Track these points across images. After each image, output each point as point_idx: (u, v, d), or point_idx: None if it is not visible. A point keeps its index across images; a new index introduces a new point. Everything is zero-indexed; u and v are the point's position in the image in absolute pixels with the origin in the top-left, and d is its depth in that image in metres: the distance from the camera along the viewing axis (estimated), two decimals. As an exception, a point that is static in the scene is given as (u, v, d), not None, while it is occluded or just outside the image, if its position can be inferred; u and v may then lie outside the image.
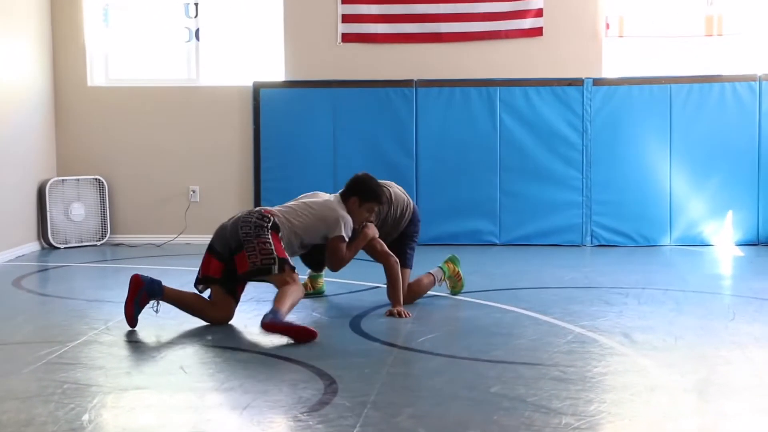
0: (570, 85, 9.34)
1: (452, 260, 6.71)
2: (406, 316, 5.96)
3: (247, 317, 5.96)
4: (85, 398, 4.33)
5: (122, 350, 5.29)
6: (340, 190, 6.20)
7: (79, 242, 9.54)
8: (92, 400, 4.30)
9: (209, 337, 5.56)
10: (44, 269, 8.33)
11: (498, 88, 9.37)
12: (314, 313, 6.15)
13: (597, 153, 9.33)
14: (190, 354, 5.22)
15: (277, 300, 5.50)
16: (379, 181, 6.36)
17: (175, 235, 9.69)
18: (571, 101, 9.33)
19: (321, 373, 4.70)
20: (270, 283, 5.74)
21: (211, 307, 5.84)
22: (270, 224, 5.74)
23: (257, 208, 6.00)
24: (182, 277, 7.56)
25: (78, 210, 9.53)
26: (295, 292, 5.58)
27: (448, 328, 5.81)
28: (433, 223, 8.94)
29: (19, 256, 8.80)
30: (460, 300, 6.59)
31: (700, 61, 9.51)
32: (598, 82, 9.33)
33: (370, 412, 4.11)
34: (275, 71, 9.69)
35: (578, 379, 4.59)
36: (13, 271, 8.02)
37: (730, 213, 9.25)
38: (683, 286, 7.13)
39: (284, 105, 9.51)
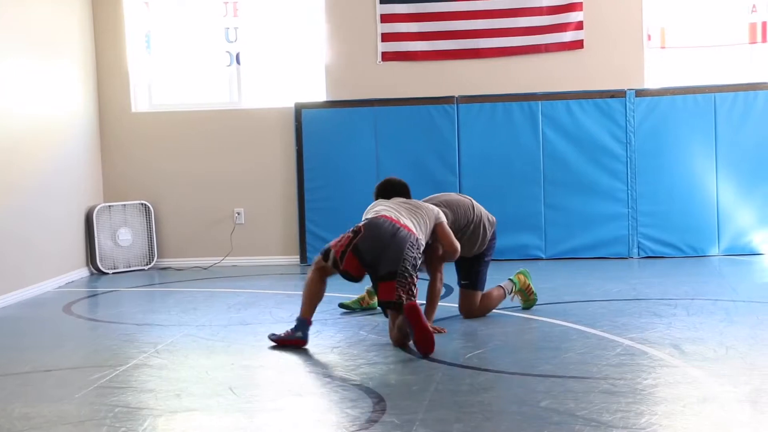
0: (612, 97, 9.29)
1: (523, 273, 6.65)
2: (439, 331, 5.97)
3: (295, 337, 5.97)
4: (136, 421, 4.36)
5: (172, 373, 5.32)
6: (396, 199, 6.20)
7: (127, 267, 9.63)
8: (143, 423, 4.33)
9: (257, 359, 5.58)
10: (93, 295, 8.42)
11: (540, 102, 9.34)
12: (361, 332, 6.15)
13: (641, 164, 9.26)
14: (239, 375, 5.24)
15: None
16: (450, 194, 6.59)
17: (222, 258, 9.75)
18: (614, 113, 9.27)
19: (369, 391, 4.70)
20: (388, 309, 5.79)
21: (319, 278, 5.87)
22: (420, 262, 5.80)
23: (413, 235, 5.77)
24: (229, 299, 7.63)
25: (125, 235, 9.62)
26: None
27: (495, 344, 5.79)
28: (478, 239, 8.92)
29: (68, 282, 8.90)
30: (508, 315, 6.56)
31: (744, 68, 9.42)
32: (640, 93, 9.27)
33: (419, 429, 4.10)
34: (316, 92, 9.74)
35: (628, 391, 4.55)
36: (63, 297, 8.11)
37: (779, 221, 9.15)
38: (733, 296, 7.05)
39: (326, 125, 9.56)
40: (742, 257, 9.06)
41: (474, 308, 6.48)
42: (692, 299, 6.91)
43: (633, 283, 7.79)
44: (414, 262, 5.68)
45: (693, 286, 7.50)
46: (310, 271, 5.95)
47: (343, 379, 4.98)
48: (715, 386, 4.62)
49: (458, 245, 6.08)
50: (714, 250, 9.21)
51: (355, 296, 6.89)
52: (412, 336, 5.46)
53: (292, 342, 5.77)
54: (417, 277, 5.71)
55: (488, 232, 6.44)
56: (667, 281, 7.83)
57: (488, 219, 6.48)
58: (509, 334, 6.02)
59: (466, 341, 5.88)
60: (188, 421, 4.40)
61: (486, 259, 6.51)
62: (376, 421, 4.22)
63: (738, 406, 4.31)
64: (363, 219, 5.94)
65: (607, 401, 4.38)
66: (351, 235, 5.75)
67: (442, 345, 5.74)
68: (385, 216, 5.83)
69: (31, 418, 4.48)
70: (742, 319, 6.15)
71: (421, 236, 5.87)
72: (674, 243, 9.25)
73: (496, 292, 6.54)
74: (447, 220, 6.15)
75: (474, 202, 6.54)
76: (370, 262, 5.67)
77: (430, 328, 5.54)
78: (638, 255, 9.27)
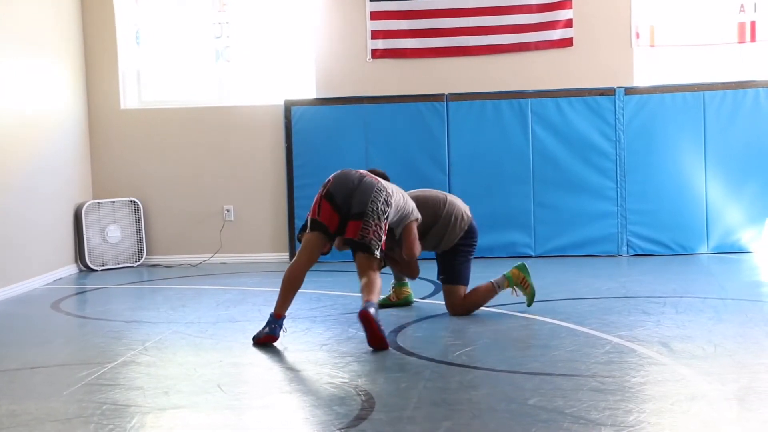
0: (602, 94, 9.30)
1: (519, 267, 6.54)
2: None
3: (283, 335, 5.95)
4: (124, 419, 4.35)
5: (160, 370, 5.31)
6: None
7: (115, 264, 9.61)
8: (131, 421, 4.32)
9: (245, 356, 5.58)
10: (82, 292, 8.40)
11: (529, 100, 9.35)
12: (350, 329, 6.15)
13: (631, 162, 9.28)
14: (228, 372, 5.23)
15: (369, 291, 5.64)
16: (428, 190, 6.63)
17: (211, 255, 9.74)
18: (604, 111, 9.29)
19: (357, 389, 4.70)
20: (357, 261, 5.80)
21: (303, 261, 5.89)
22: (387, 216, 5.85)
23: (383, 185, 5.93)
24: (218, 296, 7.62)
25: (114, 232, 9.60)
26: (380, 284, 5.75)
27: (484, 341, 5.79)
28: (467, 237, 8.92)
29: (57, 279, 8.88)
30: (497, 312, 6.56)
31: (733, 67, 9.44)
32: (630, 91, 9.28)
33: (407, 426, 4.09)
34: (306, 89, 9.73)
35: (617, 389, 4.55)
36: (52, 294, 8.09)
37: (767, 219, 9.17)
38: (722, 294, 7.06)
39: (316, 122, 9.55)
40: (730, 255, 9.08)
41: (457, 303, 6.47)
42: (681, 297, 6.92)
43: (622, 281, 7.80)
44: (382, 208, 5.80)
45: (682, 284, 7.51)
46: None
47: (332, 377, 4.98)
48: (704, 384, 4.63)
49: (415, 251, 6.16)
50: (703, 248, 9.23)
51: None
52: (366, 337, 5.52)
53: (262, 340, 5.78)
54: (385, 227, 5.80)
55: (457, 228, 6.46)
56: (656, 279, 7.84)
57: (462, 216, 6.50)
58: (498, 332, 6.02)
59: (454, 339, 5.87)
60: (176, 419, 4.39)
61: (462, 253, 6.50)
62: (364, 419, 4.21)
63: (726, 404, 4.32)
64: None
65: (596, 399, 4.38)
66: (321, 190, 5.92)
67: (431, 343, 5.74)
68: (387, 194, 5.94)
69: (18, 415, 4.47)
70: (730, 317, 6.17)
71: (393, 200, 5.92)
72: (663, 241, 9.27)
73: (483, 288, 6.52)
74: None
75: (450, 198, 6.59)
76: (341, 203, 5.80)
77: (380, 331, 5.49)
78: (627, 253, 9.29)
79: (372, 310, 5.48)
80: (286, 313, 5.86)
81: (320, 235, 5.86)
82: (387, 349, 5.51)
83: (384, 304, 6.80)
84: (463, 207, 6.59)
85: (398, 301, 6.88)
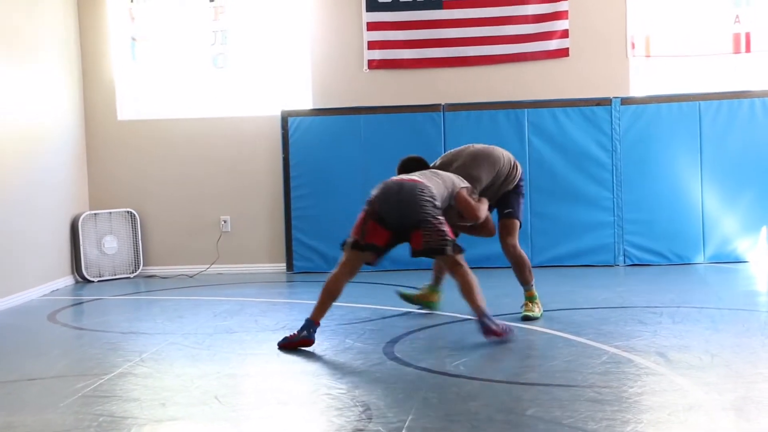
0: (598, 105, 9.32)
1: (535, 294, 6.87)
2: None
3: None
4: (121, 431, 4.35)
5: (157, 382, 5.30)
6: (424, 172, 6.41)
7: (112, 275, 9.60)
8: (128, 432, 4.32)
9: (243, 367, 5.57)
10: (78, 303, 8.39)
11: (526, 110, 9.36)
12: (347, 340, 6.14)
13: (627, 172, 9.29)
14: (225, 384, 5.23)
15: (470, 298, 5.87)
16: (475, 148, 6.82)
17: (208, 266, 9.73)
18: (600, 121, 9.30)
19: (355, 400, 4.69)
20: (440, 265, 6.13)
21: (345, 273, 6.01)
22: (438, 209, 5.97)
23: (422, 185, 6.01)
24: (215, 307, 7.61)
25: (111, 243, 9.60)
26: (473, 279, 5.91)
27: (481, 352, 5.79)
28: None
29: (53, 291, 8.87)
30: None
31: (728, 77, 9.46)
32: (626, 101, 9.30)
33: (405, 437, 4.09)
34: (303, 99, 9.74)
35: (614, 399, 4.55)
36: (48, 305, 8.08)
37: (764, 229, 9.17)
38: (718, 304, 7.07)
39: (313, 133, 9.55)
40: (727, 265, 9.08)
41: (514, 239, 6.70)
42: (678, 307, 6.93)
43: (619, 291, 7.80)
44: (432, 209, 5.89)
45: (678, 294, 7.52)
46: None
47: (330, 388, 4.97)
48: (701, 394, 4.63)
49: (481, 213, 6.32)
50: (699, 258, 9.24)
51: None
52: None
53: (297, 343, 5.86)
54: (440, 217, 5.92)
55: (516, 172, 6.77)
56: (653, 289, 7.84)
57: (514, 161, 6.83)
58: (495, 343, 6.02)
59: (452, 350, 5.87)
60: (173, 431, 4.38)
61: (520, 190, 6.80)
62: (362, 430, 4.21)
63: (723, 414, 4.32)
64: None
65: (593, 409, 4.38)
66: (366, 208, 5.97)
67: (428, 353, 5.74)
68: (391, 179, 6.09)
69: (15, 427, 4.46)
70: (727, 327, 6.17)
71: (434, 189, 6.01)
72: (660, 251, 9.27)
73: (527, 264, 6.79)
74: (479, 182, 6.48)
75: (497, 150, 6.82)
76: (390, 220, 5.89)
77: (502, 330, 5.87)
78: (624, 263, 9.30)
79: (486, 321, 5.83)
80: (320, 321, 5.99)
81: (367, 254, 5.99)
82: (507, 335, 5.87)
83: (407, 297, 6.91)
84: (507, 153, 6.85)
85: (422, 301, 7.00)
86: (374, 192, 6.05)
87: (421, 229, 5.84)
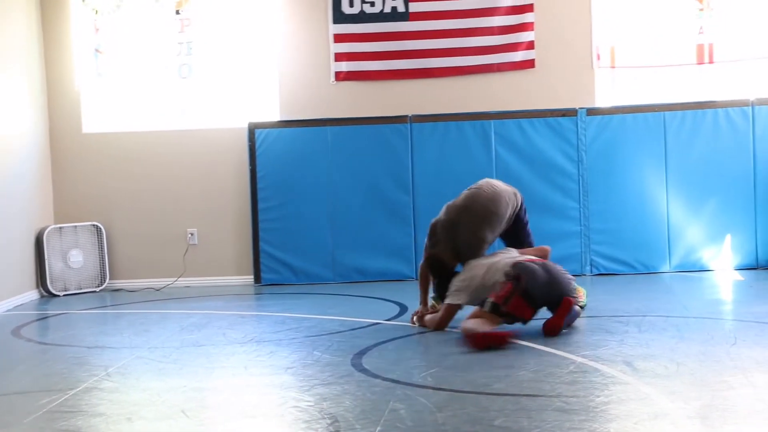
0: (564, 115, 9.37)
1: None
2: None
3: (248, 358, 5.94)
4: (86, 445, 4.31)
5: (123, 396, 5.26)
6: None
7: (78, 289, 9.53)
8: (93, 447, 4.28)
9: (210, 381, 5.54)
10: (44, 317, 8.31)
11: (492, 121, 9.40)
12: (315, 352, 6.13)
13: (593, 182, 9.35)
14: (192, 397, 5.19)
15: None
16: (485, 181, 7.16)
17: (175, 279, 9.68)
18: (566, 132, 9.36)
19: (323, 412, 4.68)
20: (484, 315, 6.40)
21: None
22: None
23: (555, 267, 6.62)
24: (182, 320, 7.57)
25: (76, 257, 9.53)
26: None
27: (449, 362, 5.79)
28: (432, 258, 8.93)
29: (18, 305, 8.79)
30: (460, 334, 6.56)
31: (693, 88, 9.54)
32: (591, 111, 9.36)
33: (372, 449, 4.08)
34: (270, 111, 9.73)
35: (581, 409, 4.57)
36: (13, 320, 8.00)
37: (728, 237, 9.26)
38: (684, 313, 7.11)
39: (280, 145, 9.54)
40: (692, 273, 9.16)
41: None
42: (644, 316, 6.96)
43: (585, 300, 7.82)
44: (573, 282, 6.65)
45: (644, 303, 7.56)
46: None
47: (297, 400, 4.96)
48: (667, 403, 4.65)
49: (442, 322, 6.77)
50: (665, 267, 9.30)
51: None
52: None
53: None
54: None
55: (514, 201, 7.10)
56: (619, 298, 7.89)
57: (515, 193, 7.15)
58: (463, 353, 6.02)
59: (420, 360, 5.87)
60: (139, 445, 4.35)
61: (524, 220, 7.24)
62: (329, 443, 4.20)
63: (689, 422, 4.34)
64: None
65: (560, 419, 4.39)
66: (512, 283, 6.33)
67: (396, 365, 5.74)
68: (527, 260, 6.56)
69: (-21, 444, 4.41)
70: (692, 336, 6.21)
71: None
72: (626, 260, 9.33)
73: None
74: (485, 243, 6.96)
75: (498, 187, 7.10)
76: (542, 302, 6.42)
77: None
78: (591, 272, 9.34)
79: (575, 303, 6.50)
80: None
81: (498, 318, 6.37)
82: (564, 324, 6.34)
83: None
84: (505, 186, 7.14)
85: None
86: (518, 264, 6.48)
87: (572, 297, 6.46)
